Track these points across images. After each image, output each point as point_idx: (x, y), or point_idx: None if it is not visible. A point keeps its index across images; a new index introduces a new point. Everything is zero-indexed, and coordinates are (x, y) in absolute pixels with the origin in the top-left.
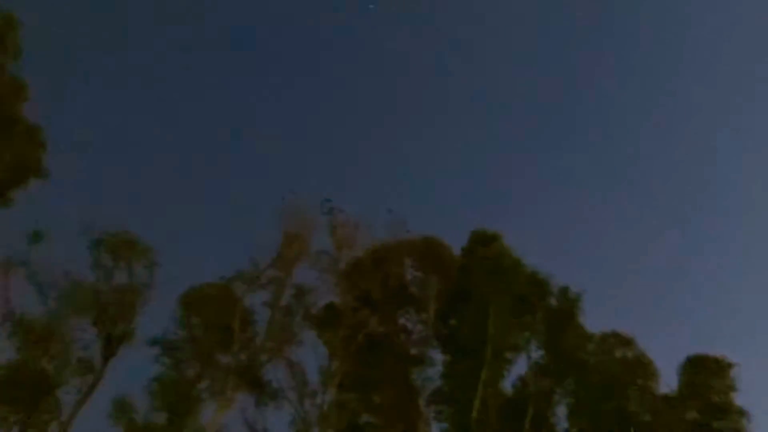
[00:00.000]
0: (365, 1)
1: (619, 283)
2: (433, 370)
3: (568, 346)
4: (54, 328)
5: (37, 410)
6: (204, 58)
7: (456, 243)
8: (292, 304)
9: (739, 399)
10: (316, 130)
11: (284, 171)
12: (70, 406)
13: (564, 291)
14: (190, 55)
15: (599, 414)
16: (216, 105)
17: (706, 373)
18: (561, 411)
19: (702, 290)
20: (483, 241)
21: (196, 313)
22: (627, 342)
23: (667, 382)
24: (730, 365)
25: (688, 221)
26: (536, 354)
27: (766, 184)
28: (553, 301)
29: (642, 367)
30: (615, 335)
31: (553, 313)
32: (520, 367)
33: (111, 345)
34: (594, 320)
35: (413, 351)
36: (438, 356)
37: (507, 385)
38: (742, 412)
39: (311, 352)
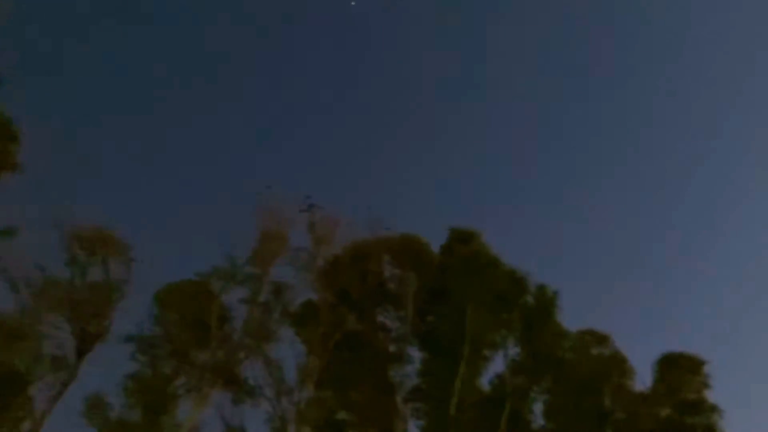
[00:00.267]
0: None
1: (596, 281)
2: (410, 367)
3: (545, 343)
4: (27, 324)
5: (9, 408)
6: (180, 49)
7: (435, 240)
8: (270, 301)
9: (711, 396)
10: (294, 127)
11: (262, 167)
12: (42, 404)
13: (541, 289)
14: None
15: (575, 411)
16: (193, 101)
17: (679, 371)
18: (538, 408)
19: (678, 289)
20: (461, 239)
21: (172, 309)
22: (603, 339)
23: (642, 379)
24: (703, 363)
25: (663, 221)
26: (513, 351)
27: (739, 186)
28: (530, 299)
29: (617, 365)
30: (591, 333)
31: (530, 311)
32: (497, 364)
33: (85, 342)
34: (571, 318)
35: (391, 348)
36: (416, 353)
37: (484, 383)
38: (714, 409)
39: (289, 349)
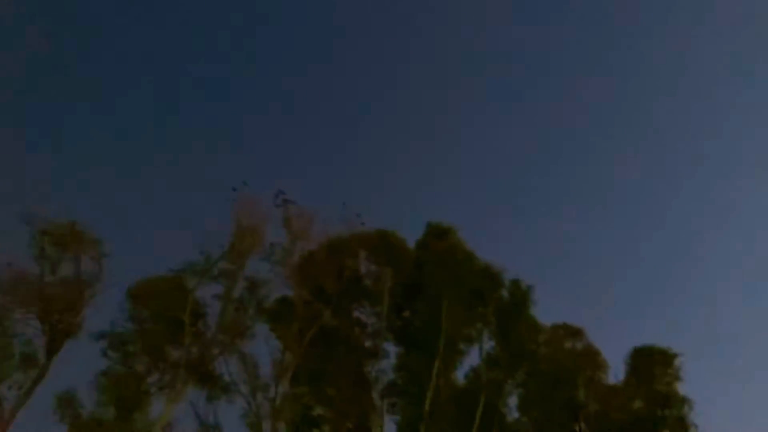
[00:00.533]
0: None
1: (569, 275)
2: (386, 362)
3: (520, 337)
4: None
5: None
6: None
7: (411, 236)
8: (244, 297)
9: (682, 388)
10: (269, 122)
11: (237, 163)
12: (12, 402)
13: (516, 284)
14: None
15: (549, 404)
16: (166, 96)
17: (651, 364)
18: (512, 401)
19: (649, 283)
20: (437, 234)
21: (145, 305)
22: (576, 333)
23: (615, 372)
24: (674, 355)
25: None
26: (488, 345)
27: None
28: (505, 294)
29: (591, 358)
30: (565, 326)
31: (504, 306)
32: (472, 358)
33: (56, 339)
34: (545, 312)
35: (367, 344)
36: (392, 349)
37: (460, 376)
38: (685, 401)
39: (264, 345)
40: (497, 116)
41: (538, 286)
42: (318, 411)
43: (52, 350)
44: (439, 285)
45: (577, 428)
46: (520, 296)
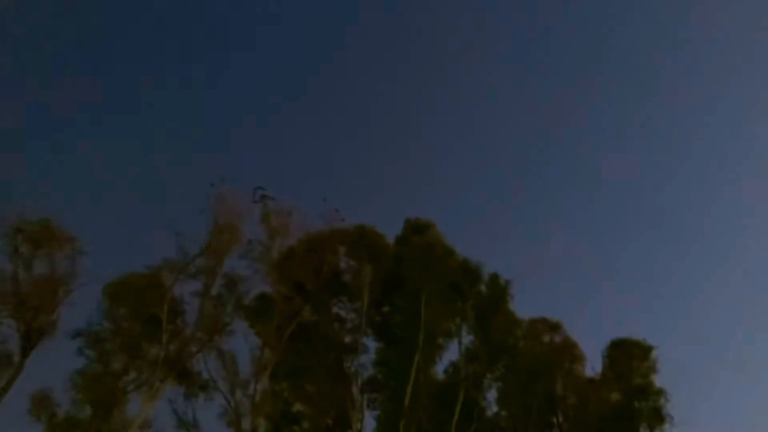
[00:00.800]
0: None
1: (547, 269)
2: (366, 357)
3: (498, 331)
4: None
5: None
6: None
7: (390, 232)
8: (223, 294)
9: (659, 380)
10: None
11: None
12: None
13: (494, 278)
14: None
15: (528, 397)
16: (145, 93)
17: (628, 356)
18: (491, 395)
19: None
20: (416, 230)
21: (122, 303)
22: (554, 327)
23: (593, 365)
24: (650, 348)
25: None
26: (467, 340)
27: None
28: (483, 288)
29: (569, 351)
30: (543, 320)
31: (483, 300)
32: (452, 352)
33: (31, 337)
34: (523, 306)
35: (347, 339)
36: (371, 344)
37: (439, 371)
38: (661, 392)
39: (243, 342)
40: (473, 114)
41: (515, 281)
42: (297, 407)
43: (27, 349)
44: (418, 280)
45: (555, 421)
46: (499, 291)
